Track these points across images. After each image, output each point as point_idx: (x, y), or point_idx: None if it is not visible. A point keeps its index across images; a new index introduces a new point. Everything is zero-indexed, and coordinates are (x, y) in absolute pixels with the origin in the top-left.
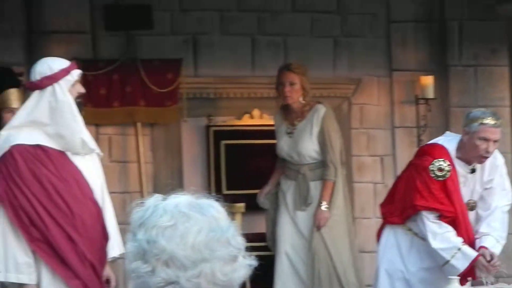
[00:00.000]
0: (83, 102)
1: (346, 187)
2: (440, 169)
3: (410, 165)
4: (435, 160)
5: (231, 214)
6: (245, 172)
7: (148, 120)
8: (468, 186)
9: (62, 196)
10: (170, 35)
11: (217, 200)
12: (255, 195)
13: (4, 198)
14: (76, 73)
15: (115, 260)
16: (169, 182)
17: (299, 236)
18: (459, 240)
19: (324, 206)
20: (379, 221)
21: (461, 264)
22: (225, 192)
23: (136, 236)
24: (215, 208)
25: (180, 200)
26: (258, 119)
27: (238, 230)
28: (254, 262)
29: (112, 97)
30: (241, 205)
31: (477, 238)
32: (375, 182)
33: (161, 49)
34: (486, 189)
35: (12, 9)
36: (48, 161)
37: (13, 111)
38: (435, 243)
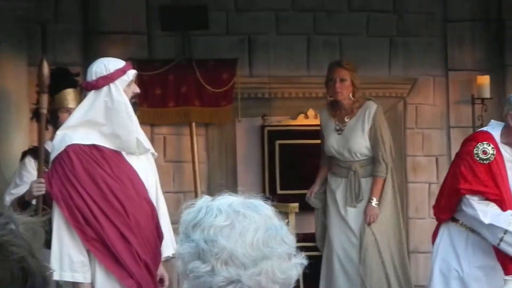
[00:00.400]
0: (138, 102)
1: (395, 183)
2: (485, 152)
3: (456, 156)
4: (479, 143)
5: (285, 214)
6: (299, 172)
7: (203, 120)
8: None
9: (116, 196)
10: (226, 35)
11: (265, 201)
12: None
13: (59, 198)
14: (132, 73)
15: (169, 259)
16: (223, 182)
17: (349, 235)
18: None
19: (374, 202)
20: (434, 221)
21: None
22: (279, 192)
23: (191, 237)
24: (267, 207)
25: (232, 199)
26: (313, 119)
27: (290, 229)
28: (305, 261)
29: (168, 97)
30: (295, 205)
31: None
32: (430, 182)
33: (216, 49)
34: None
35: (69, 10)
36: (103, 161)
37: (69, 111)
38: (487, 219)
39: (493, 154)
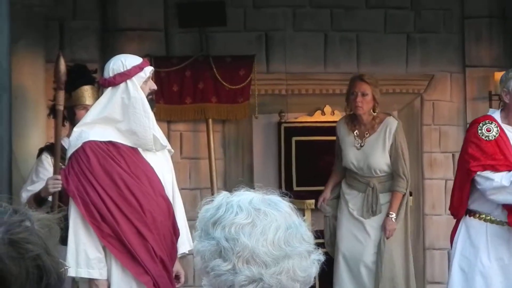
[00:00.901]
0: (155, 99)
1: (409, 200)
2: (488, 129)
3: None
4: (481, 123)
5: (301, 210)
6: (315, 168)
7: (219, 116)
8: None
9: (133, 193)
10: (243, 32)
11: (283, 197)
12: None
13: (75, 194)
14: (149, 70)
15: (185, 256)
16: (240, 179)
17: (360, 239)
18: None
19: (393, 217)
20: (450, 218)
21: None
22: (296, 188)
23: (211, 235)
24: (286, 204)
25: (252, 196)
26: (329, 115)
27: (308, 226)
28: (323, 258)
29: (184, 93)
30: (311, 202)
31: None
32: (446, 179)
33: (233, 46)
34: None
35: (87, 7)
36: (120, 158)
37: (86, 107)
38: (506, 181)
39: (497, 132)
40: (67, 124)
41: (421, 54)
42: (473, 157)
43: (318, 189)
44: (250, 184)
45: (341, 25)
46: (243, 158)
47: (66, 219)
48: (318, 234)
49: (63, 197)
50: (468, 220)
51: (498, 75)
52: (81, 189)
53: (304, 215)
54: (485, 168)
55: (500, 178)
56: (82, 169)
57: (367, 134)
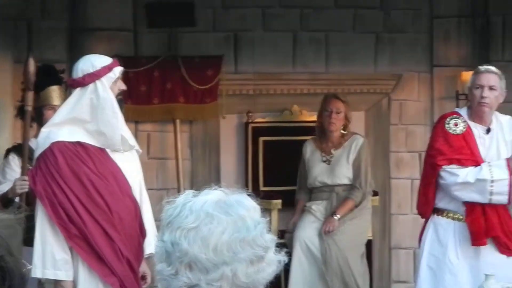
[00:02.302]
0: (123, 99)
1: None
2: (456, 124)
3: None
4: (449, 117)
5: (268, 210)
6: (283, 168)
7: (187, 117)
8: (489, 148)
9: (100, 193)
10: (212, 32)
11: (249, 195)
12: (292, 191)
13: (43, 195)
14: (118, 70)
15: (151, 256)
16: (207, 179)
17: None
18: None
19: (336, 217)
20: (416, 217)
21: (502, 173)
22: (262, 188)
23: (162, 237)
24: (244, 206)
25: (208, 198)
26: (297, 115)
27: (267, 227)
28: (285, 258)
29: (152, 94)
30: (278, 202)
31: None
32: (412, 179)
33: (202, 46)
34: None
35: (55, 8)
36: (88, 158)
37: (54, 108)
38: (471, 177)
39: (464, 126)
40: (34, 125)
41: (390, 54)
42: (439, 151)
43: (285, 189)
44: (217, 184)
45: (310, 25)
46: (210, 159)
47: (30, 219)
48: (283, 234)
49: (30, 198)
50: (436, 219)
51: (466, 75)
52: (48, 190)
53: (270, 215)
54: (451, 162)
55: (465, 174)
56: (49, 170)
57: (334, 150)
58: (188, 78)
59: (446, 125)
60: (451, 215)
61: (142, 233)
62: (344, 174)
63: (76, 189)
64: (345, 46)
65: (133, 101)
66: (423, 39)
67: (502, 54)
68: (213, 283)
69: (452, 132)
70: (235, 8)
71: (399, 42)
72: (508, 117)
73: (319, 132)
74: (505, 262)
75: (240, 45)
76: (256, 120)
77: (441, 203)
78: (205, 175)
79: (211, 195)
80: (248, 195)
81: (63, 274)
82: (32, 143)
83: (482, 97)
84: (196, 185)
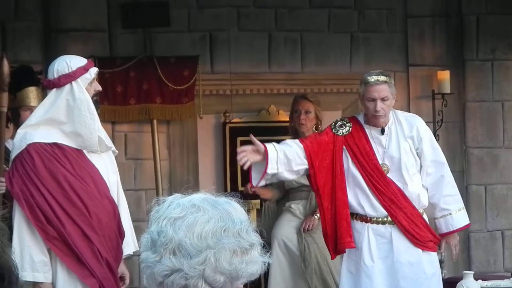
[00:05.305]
0: (99, 100)
1: None
2: (342, 126)
3: None
4: (337, 119)
5: (247, 211)
6: None
7: (164, 117)
8: (389, 145)
9: (78, 194)
10: (187, 32)
11: (233, 197)
12: None
13: (20, 197)
14: (94, 71)
15: (129, 257)
16: (185, 179)
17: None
18: None
19: (317, 216)
20: None
21: None
22: (241, 188)
23: (149, 229)
24: (231, 205)
25: (197, 195)
26: (274, 115)
27: (253, 227)
28: (268, 260)
29: (129, 94)
30: (256, 202)
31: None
32: None
33: (178, 46)
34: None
35: (29, 8)
36: (65, 159)
37: (31, 109)
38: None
39: (349, 128)
40: (10, 126)
41: (365, 54)
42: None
43: None
44: (195, 184)
45: (285, 25)
46: (188, 159)
47: (8, 219)
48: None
49: (7, 199)
50: (353, 223)
51: (441, 74)
52: (25, 191)
53: (249, 215)
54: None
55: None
56: (26, 171)
57: None
58: (164, 79)
59: (332, 124)
60: (364, 218)
61: (120, 234)
62: None
63: (53, 191)
64: (321, 46)
65: (109, 101)
66: (398, 39)
67: (476, 53)
68: (196, 266)
69: (336, 133)
70: (209, 8)
71: (374, 42)
72: (409, 114)
73: (293, 132)
74: (421, 258)
75: (215, 45)
76: (233, 120)
77: (351, 207)
78: (183, 175)
79: (200, 194)
80: (233, 197)
81: (42, 276)
82: (8, 144)
83: (376, 111)
84: (175, 185)
